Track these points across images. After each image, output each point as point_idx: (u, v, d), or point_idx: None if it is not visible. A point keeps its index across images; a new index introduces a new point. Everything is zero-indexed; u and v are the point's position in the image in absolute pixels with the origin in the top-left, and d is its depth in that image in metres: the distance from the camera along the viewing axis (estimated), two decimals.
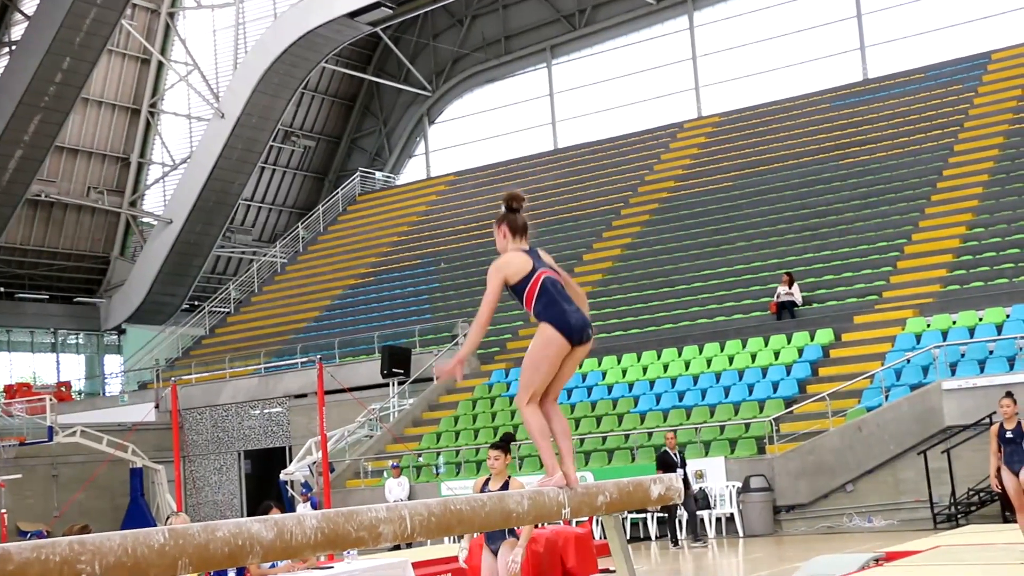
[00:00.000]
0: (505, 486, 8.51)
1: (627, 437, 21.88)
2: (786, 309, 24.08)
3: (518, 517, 4.62)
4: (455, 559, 12.41)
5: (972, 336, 20.41)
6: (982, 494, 17.29)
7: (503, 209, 5.33)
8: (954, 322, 21.20)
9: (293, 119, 43.22)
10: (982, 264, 23.27)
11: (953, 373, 19.25)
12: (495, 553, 8.74)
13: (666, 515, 18.69)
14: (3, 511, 23.87)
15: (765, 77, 35.80)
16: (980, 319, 20.98)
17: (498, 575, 8.76)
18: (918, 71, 32.45)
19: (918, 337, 21.13)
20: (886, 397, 19.61)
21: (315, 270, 37.94)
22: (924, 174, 27.55)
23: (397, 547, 16.89)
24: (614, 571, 6.31)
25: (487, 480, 8.78)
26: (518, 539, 8.76)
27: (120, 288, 40.85)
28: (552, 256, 5.32)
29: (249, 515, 21.28)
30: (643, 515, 19.62)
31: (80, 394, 39.80)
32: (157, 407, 30.17)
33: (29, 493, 27.44)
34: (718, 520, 19.58)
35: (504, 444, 8.79)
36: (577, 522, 15.51)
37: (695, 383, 23.03)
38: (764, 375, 22.35)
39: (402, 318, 31.70)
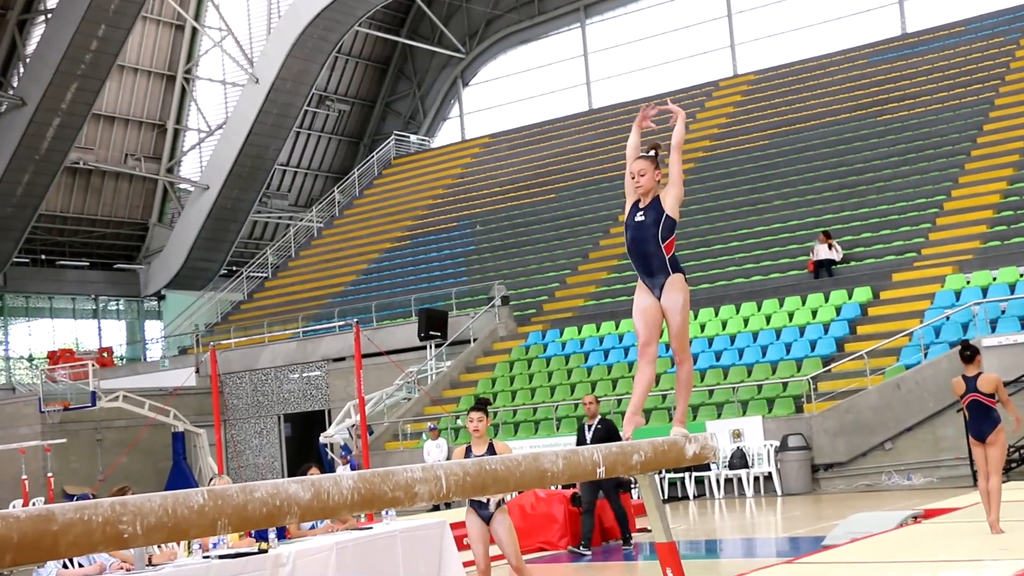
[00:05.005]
0: (491, 450, 8.04)
1: (664, 398, 21.89)
2: (824, 267, 23.93)
3: (553, 476, 4.64)
4: None
5: (1013, 292, 20.20)
6: (1023, 451, 17.18)
7: (653, 153, 5.99)
8: (994, 278, 20.99)
9: (327, 83, 43.24)
10: (1023, 220, 22.99)
11: (993, 330, 19.08)
12: (486, 520, 8.28)
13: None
14: (49, 475, 24.29)
15: (801, 33, 35.40)
16: (1021, 275, 20.76)
17: (488, 540, 8.33)
18: (958, 24, 31.97)
19: (957, 294, 20.96)
20: (925, 355, 19.48)
21: (351, 234, 38.06)
22: (964, 129, 27.20)
23: (436, 508, 17.05)
24: (650, 530, 6.34)
25: (468, 447, 8.29)
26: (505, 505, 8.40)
27: (159, 254, 41.20)
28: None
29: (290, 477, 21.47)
30: (680, 475, 19.65)
31: (122, 360, 40.30)
32: (197, 372, 30.47)
33: (74, 457, 27.89)
34: (756, 479, 19.58)
35: (485, 406, 8.34)
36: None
37: (732, 343, 22.97)
38: (802, 334, 22.26)
39: (439, 281, 31.78)
